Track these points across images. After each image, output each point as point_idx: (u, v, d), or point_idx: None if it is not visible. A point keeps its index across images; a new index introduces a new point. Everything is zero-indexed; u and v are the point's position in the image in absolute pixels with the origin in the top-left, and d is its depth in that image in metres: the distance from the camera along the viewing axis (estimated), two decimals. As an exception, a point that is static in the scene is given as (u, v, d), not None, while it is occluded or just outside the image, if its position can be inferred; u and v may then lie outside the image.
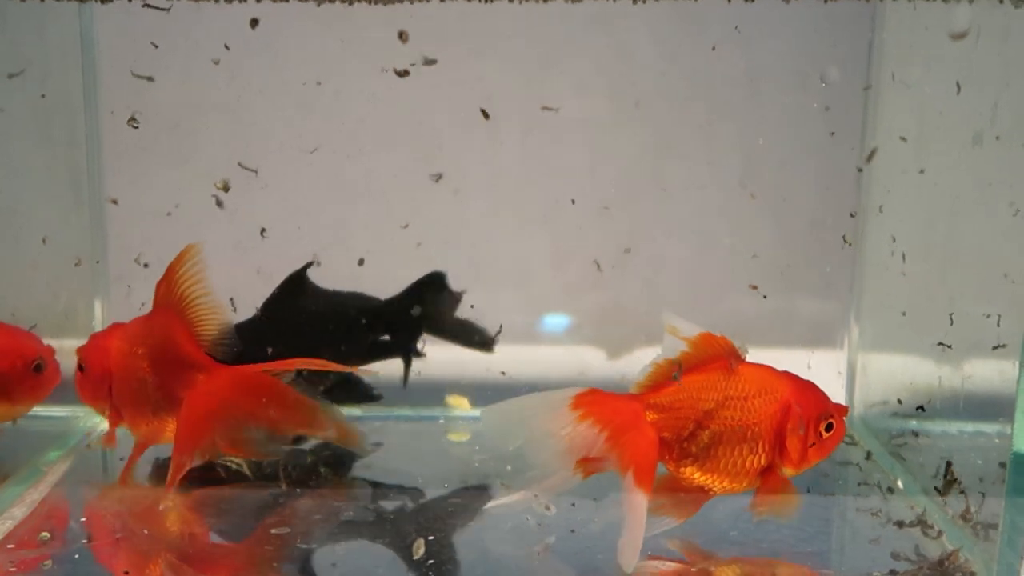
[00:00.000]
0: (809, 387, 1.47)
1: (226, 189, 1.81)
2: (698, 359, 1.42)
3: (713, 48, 1.86)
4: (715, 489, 1.44)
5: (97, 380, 1.63)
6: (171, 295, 1.54)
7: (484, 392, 1.93)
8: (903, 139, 1.77)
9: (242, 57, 1.84)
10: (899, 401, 1.77)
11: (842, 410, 1.47)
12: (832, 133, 1.90)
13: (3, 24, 1.76)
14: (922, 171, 1.69)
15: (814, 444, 1.43)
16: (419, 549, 1.43)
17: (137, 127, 1.84)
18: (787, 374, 1.46)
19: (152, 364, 1.57)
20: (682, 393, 1.41)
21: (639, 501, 1.35)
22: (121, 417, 1.63)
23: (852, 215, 1.93)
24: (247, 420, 1.54)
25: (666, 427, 1.42)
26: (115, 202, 1.92)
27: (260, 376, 1.54)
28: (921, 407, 1.70)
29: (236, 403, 1.53)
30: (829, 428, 1.45)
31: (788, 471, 1.44)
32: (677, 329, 1.42)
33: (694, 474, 1.43)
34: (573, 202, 1.92)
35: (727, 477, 1.43)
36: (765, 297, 1.93)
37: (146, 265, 1.87)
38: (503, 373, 1.96)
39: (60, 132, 1.89)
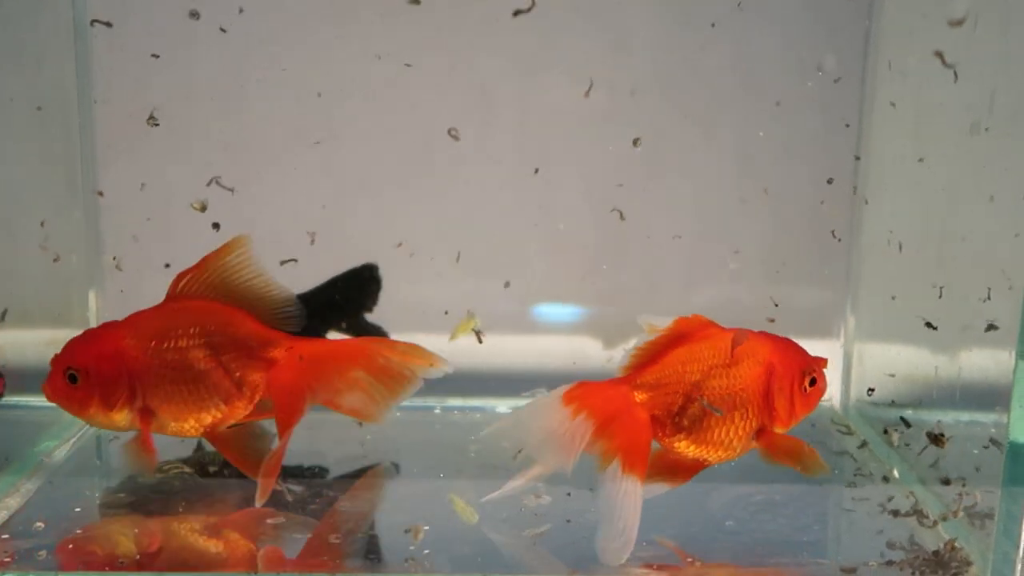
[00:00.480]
0: (788, 344, 1.48)
1: (203, 209, 1.79)
2: (676, 336, 1.43)
3: (713, 25, 1.85)
4: (711, 459, 1.45)
5: (110, 386, 1.46)
6: (213, 282, 1.50)
7: (482, 382, 1.94)
8: (892, 104, 1.77)
9: (240, 42, 1.83)
10: (881, 396, 1.77)
11: (821, 362, 1.48)
12: (847, 125, 1.90)
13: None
14: (921, 159, 1.69)
15: (800, 400, 1.45)
16: (416, 537, 1.44)
17: (158, 125, 1.82)
18: (764, 334, 1.47)
19: (213, 351, 1.48)
20: (667, 368, 1.42)
21: (631, 489, 1.35)
22: (153, 417, 1.49)
23: (829, 182, 1.91)
24: (341, 386, 1.51)
25: (656, 405, 1.42)
26: (101, 194, 1.90)
27: (344, 342, 1.53)
28: (896, 399, 1.70)
29: (328, 371, 1.51)
30: (813, 383, 1.46)
31: (778, 430, 1.45)
32: (655, 327, 1.44)
33: (689, 448, 1.44)
34: (541, 164, 1.91)
35: (721, 447, 1.43)
36: (777, 305, 1.92)
37: (167, 265, 1.84)
38: (477, 330, 1.91)
39: (54, 123, 1.88)
